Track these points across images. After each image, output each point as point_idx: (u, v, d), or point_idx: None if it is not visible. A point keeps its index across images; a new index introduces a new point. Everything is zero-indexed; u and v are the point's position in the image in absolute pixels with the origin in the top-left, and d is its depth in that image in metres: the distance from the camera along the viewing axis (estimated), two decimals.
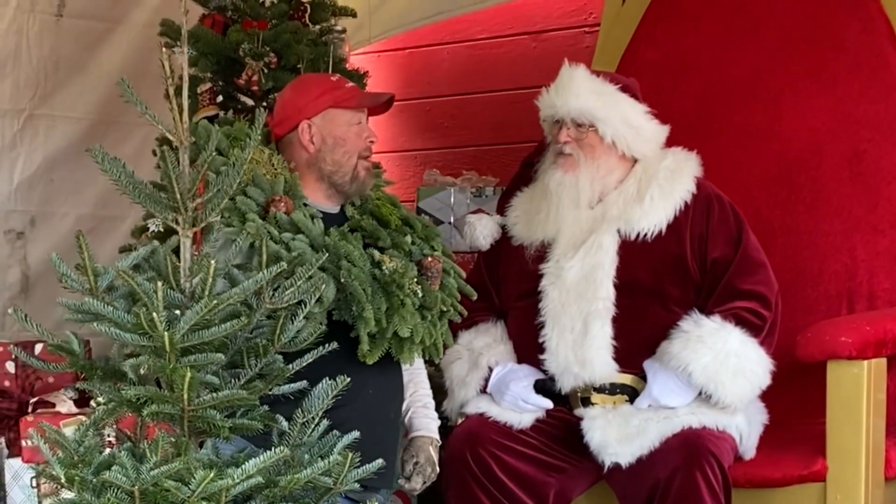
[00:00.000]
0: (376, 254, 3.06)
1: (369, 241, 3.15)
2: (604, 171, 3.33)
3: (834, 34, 3.75)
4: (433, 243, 3.22)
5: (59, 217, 4.57)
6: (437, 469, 3.19)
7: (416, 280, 3.06)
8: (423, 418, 3.25)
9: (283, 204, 3.02)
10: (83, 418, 2.46)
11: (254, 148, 2.48)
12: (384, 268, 3.01)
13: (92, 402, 3.29)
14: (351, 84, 3.24)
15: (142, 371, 2.35)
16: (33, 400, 3.64)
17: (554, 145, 3.36)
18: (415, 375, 3.29)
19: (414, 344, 3.04)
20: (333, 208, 3.22)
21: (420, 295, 3.05)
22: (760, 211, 3.69)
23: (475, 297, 3.25)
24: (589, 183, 3.31)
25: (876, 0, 3.69)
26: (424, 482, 3.17)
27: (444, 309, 3.13)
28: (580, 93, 3.30)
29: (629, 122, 3.33)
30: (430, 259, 3.13)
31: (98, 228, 4.59)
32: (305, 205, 3.13)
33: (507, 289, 3.40)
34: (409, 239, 3.17)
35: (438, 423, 3.28)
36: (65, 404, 3.57)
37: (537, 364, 3.27)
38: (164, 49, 2.36)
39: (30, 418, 3.55)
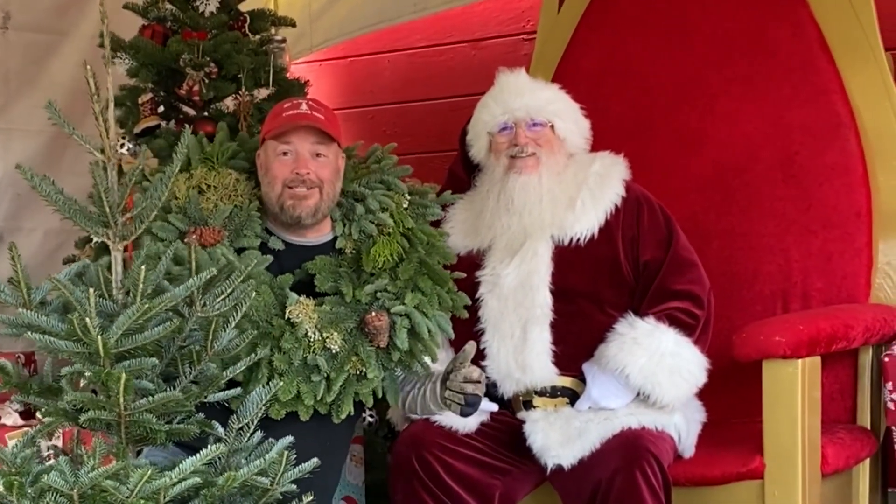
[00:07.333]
0: (292, 299, 2.99)
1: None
2: (561, 166, 3.34)
3: (766, 40, 3.80)
4: (409, 297, 3.08)
5: (27, 232, 4.47)
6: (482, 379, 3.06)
7: (337, 334, 2.97)
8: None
9: (195, 236, 2.97)
10: (29, 430, 2.47)
11: (178, 166, 2.44)
12: (287, 316, 2.96)
13: (37, 414, 3.30)
14: (292, 112, 3.14)
15: (81, 384, 2.37)
16: None
17: (506, 151, 3.33)
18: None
19: (298, 404, 2.94)
20: (303, 239, 3.17)
21: (334, 350, 2.97)
22: (696, 214, 3.73)
23: (437, 361, 3.19)
24: (557, 179, 3.31)
25: (806, 6, 3.75)
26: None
27: (362, 370, 3.02)
28: (533, 90, 3.34)
29: (574, 118, 3.38)
30: (372, 314, 3.04)
31: (67, 243, 4.50)
32: (270, 233, 3.13)
33: None
34: (370, 288, 3.06)
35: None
36: (10, 416, 3.56)
37: None
38: (87, 66, 2.34)
39: None
